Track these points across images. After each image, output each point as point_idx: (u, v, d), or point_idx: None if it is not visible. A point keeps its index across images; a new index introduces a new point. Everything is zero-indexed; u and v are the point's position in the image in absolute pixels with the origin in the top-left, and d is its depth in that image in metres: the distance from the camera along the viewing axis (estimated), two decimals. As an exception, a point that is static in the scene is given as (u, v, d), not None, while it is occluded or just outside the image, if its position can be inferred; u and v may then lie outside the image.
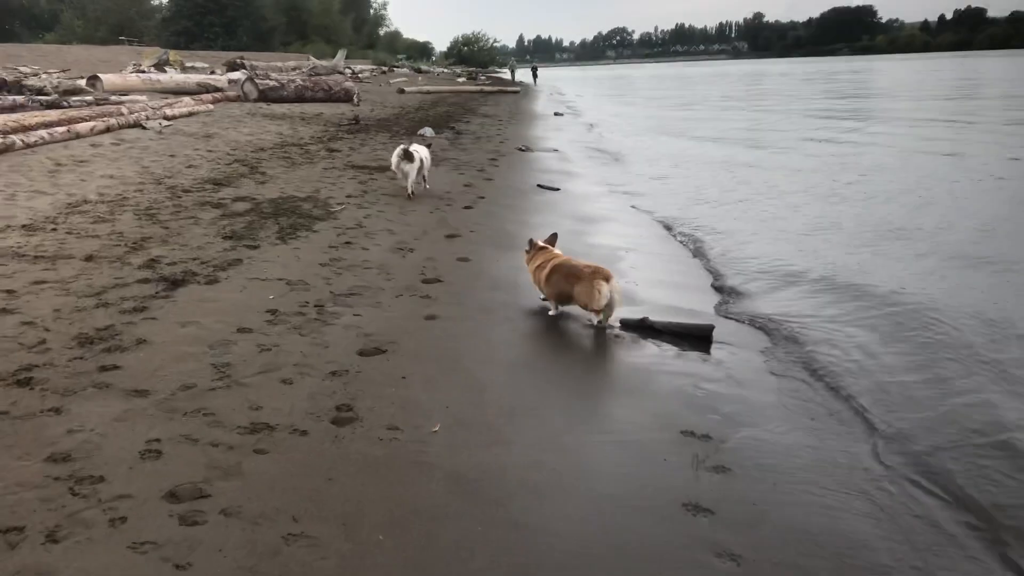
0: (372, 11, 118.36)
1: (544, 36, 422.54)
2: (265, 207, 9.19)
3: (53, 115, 13.47)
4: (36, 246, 6.95)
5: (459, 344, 5.43)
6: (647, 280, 7.43)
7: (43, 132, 12.01)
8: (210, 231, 7.93)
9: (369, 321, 5.65)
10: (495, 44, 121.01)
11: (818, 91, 46.26)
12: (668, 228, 10.17)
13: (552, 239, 6.74)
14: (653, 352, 5.52)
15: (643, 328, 5.91)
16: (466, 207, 10.20)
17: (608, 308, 5.89)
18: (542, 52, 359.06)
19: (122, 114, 15.49)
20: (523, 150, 17.31)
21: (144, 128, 14.83)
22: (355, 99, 26.94)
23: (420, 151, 10.81)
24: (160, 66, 32.13)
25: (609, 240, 9.03)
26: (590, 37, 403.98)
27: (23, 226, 7.62)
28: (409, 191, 10.59)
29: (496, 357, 5.28)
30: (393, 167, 10.64)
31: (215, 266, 6.72)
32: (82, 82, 22.22)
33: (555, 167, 14.96)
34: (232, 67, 36.56)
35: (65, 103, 16.29)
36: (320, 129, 18.37)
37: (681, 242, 9.43)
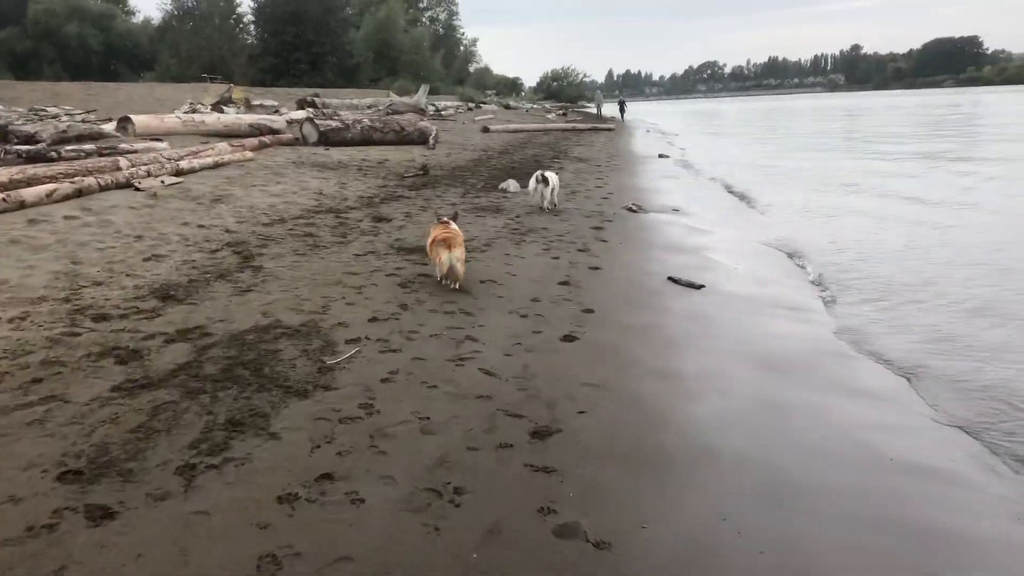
0: (463, 48, 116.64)
1: (633, 70, 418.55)
2: (213, 359, 5.23)
3: (3, 174, 9.91)
4: None
5: None
6: None
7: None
8: (48, 451, 3.96)
9: None
10: (584, 79, 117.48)
11: (953, 125, 40.64)
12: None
13: None
14: None
15: None
16: (565, 338, 6.07)
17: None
18: (631, 86, 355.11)
19: (119, 168, 11.94)
20: (634, 211, 13.11)
21: (138, 189, 11.19)
22: (430, 141, 23.26)
23: (552, 177, 12.60)
24: (221, 104, 29.18)
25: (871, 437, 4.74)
26: (680, 71, 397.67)
27: None
28: (543, 206, 12.46)
29: None
30: (530, 190, 12.62)
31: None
32: (109, 126, 19.04)
33: (684, 240, 10.69)
34: (302, 105, 33.60)
35: (54, 153, 12.86)
36: (377, 184, 14.54)
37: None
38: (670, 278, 8.23)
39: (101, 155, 13.32)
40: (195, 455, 3.88)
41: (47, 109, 21.09)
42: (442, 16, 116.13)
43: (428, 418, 4.48)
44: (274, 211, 10.89)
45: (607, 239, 10.34)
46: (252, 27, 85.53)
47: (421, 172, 16.21)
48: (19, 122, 17.12)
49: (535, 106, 76.63)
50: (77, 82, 39.79)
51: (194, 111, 26.09)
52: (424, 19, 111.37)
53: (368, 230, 10.04)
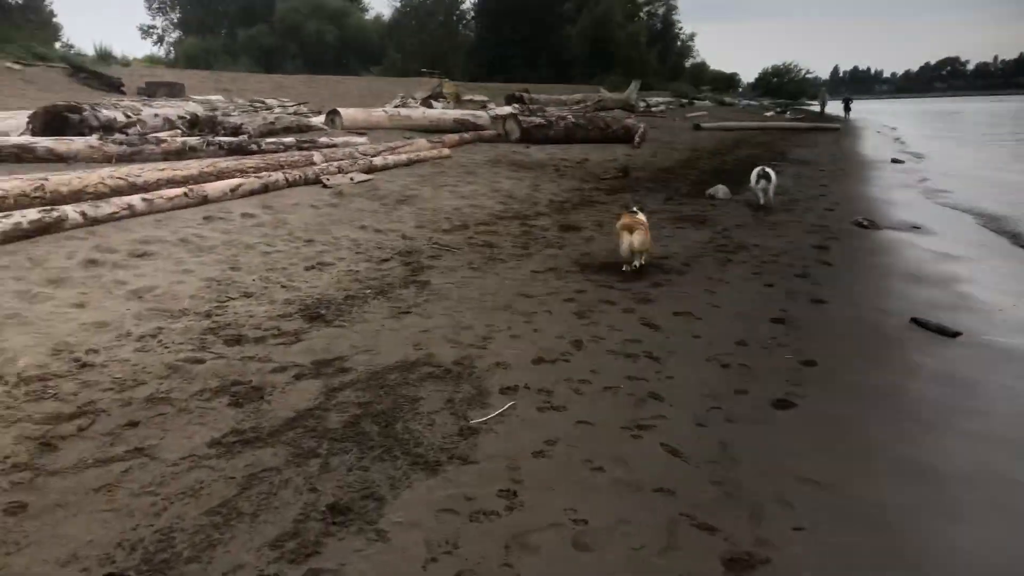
0: (679, 43, 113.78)
1: (862, 66, 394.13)
2: (341, 405, 4.38)
3: (194, 167, 9.75)
4: None
5: None
6: None
7: (135, 198, 8.14)
8: (102, 535, 3.20)
9: None
10: (807, 75, 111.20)
11: None
12: None
13: None
14: None
15: None
16: (778, 403, 4.76)
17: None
18: (858, 83, 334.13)
19: (311, 163, 11.66)
20: (864, 226, 11.31)
21: (325, 186, 10.80)
22: (635, 139, 22.04)
23: (772, 173, 12.54)
24: (432, 99, 29.31)
25: None
26: (915, 67, 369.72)
27: None
28: (761, 202, 12.37)
29: None
30: (752, 184, 12.59)
31: None
32: (319, 118, 19.25)
33: (930, 268, 8.87)
34: (511, 100, 33.32)
35: (254, 146, 12.81)
36: (571, 186, 13.54)
37: None
38: (914, 320, 6.63)
39: (300, 149, 13.17)
40: (275, 560, 2.98)
41: (265, 101, 21.72)
42: (660, 11, 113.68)
43: (585, 521, 3.38)
44: (458, 215, 10.13)
45: (832, 261, 8.77)
46: (472, 23, 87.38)
47: (621, 174, 15.06)
48: (235, 113, 17.54)
49: (752, 103, 73.24)
50: (300, 75, 41.64)
51: (404, 105, 26.26)
52: (642, 14, 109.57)
53: (553, 241, 9.03)
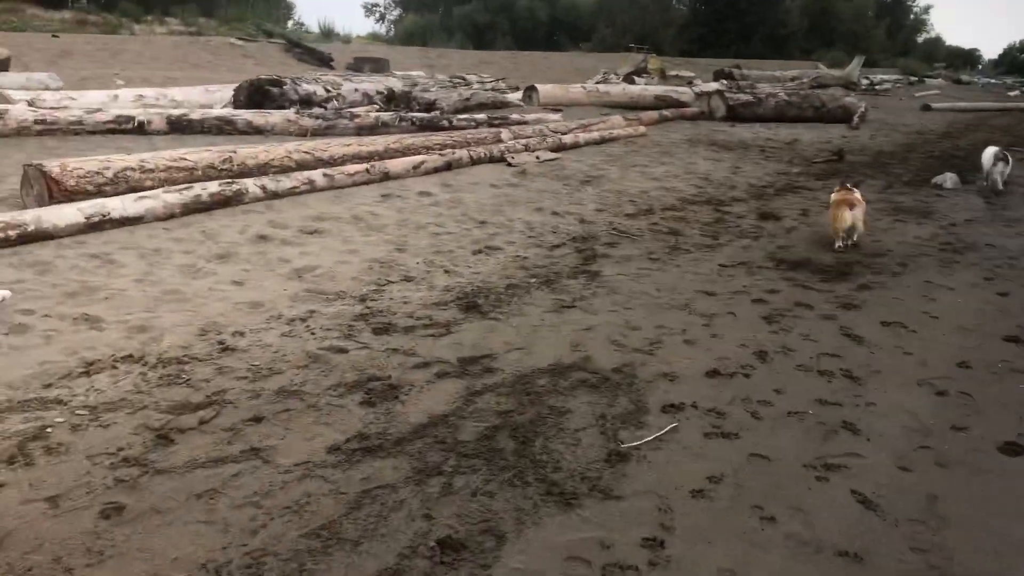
0: (912, 16, 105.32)
1: None
2: (478, 412, 3.94)
3: (380, 143, 9.69)
4: None
5: None
6: None
7: (316, 173, 8.10)
8: (189, 551, 2.91)
9: None
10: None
11: None
12: None
13: None
14: None
15: None
16: (1006, 447, 3.88)
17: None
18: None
19: (499, 141, 11.36)
20: None
21: (510, 165, 10.47)
22: (854, 119, 20.29)
23: (1008, 157, 11.45)
24: (635, 74, 28.50)
25: None
26: None
27: None
28: (999, 187, 11.08)
29: None
30: (987, 167, 11.22)
31: None
32: (516, 95, 19.05)
33: None
34: (719, 76, 31.87)
35: (445, 122, 12.70)
36: (776, 170, 12.47)
37: None
38: None
39: (490, 126, 12.93)
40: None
41: (465, 77, 21.79)
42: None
43: None
44: (644, 199, 9.47)
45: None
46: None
47: (834, 157, 13.75)
48: (433, 89, 17.63)
49: (993, 81, 66.59)
50: (504, 51, 41.85)
51: (605, 81, 25.65)
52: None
53: (748, 230, 8.20)
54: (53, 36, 24.12)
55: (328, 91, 13.20)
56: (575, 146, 12.53)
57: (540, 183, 9.62)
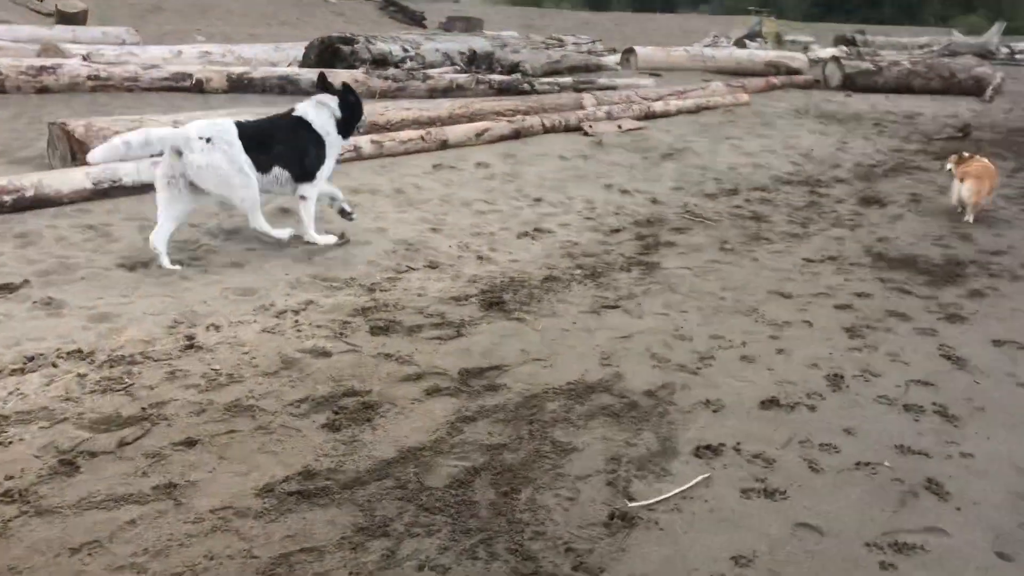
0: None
1: None
2: (460, 447, 3.20)
3: (445, 106, 8.97)
4: None
5: None
6: None
7: (363, 140, 7.46)
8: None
9: None
10: None
11: None
12: None
13: None
14: None
15: None
16: None
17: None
18: None
19: (580, 107, 10.50)
20: None
21: (586, 134, 9.61)
22: (988, 92, 18.41)
23: None
24: (749, 38, 26.88)
25: None
26: None
27: None
28: None
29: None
30: None
31: None
32: (612, 58, 18.03)
33: None
34: (840, 42, 29.81)
35: (526, 85, 11.88)
36: (890, 147, 11.18)
37: None
38: None
39: (576, 91, 12.06)
40: None
41: (563, 38, 20.81)
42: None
43: None
44: (731, 176, 8.48)
45: None
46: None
47: (959, 134, 12.28)
48: (523, 50, 16.75)
49: None
50: (611, 12, 40.34)
51: (715, 45, 24.22)
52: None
53: (845, 218, 7.15)
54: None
55: (406, 50, 12.54)
56: (665, 115, 11.53)
57: (616, 155, 8.74)
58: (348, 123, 5.26)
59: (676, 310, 4.76)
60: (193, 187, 4.71)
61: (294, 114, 5.17)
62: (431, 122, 8.49)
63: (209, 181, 4.68)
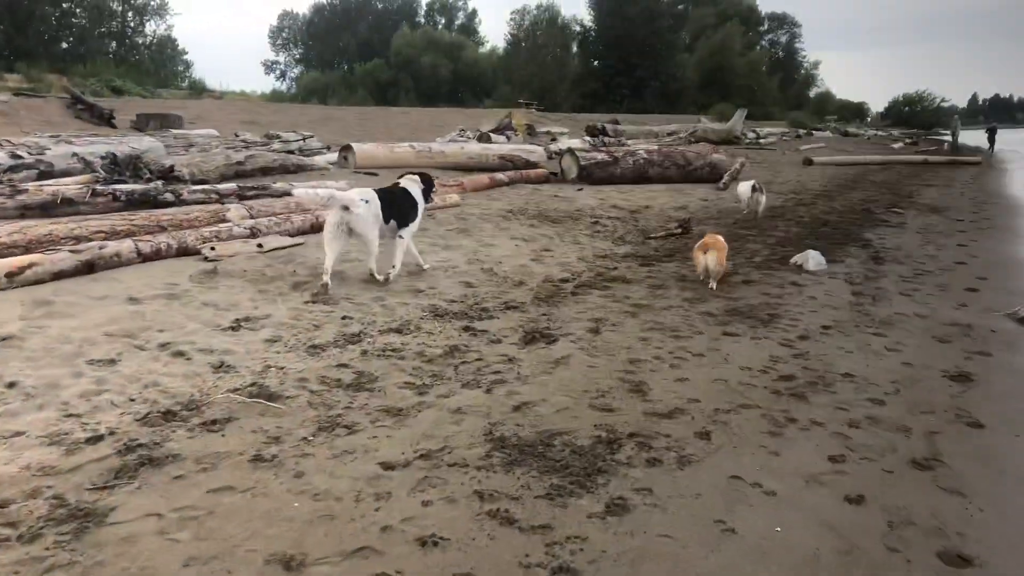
0: (803, 71, 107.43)
1: (1004, 94, 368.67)
2: None
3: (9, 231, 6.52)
4: None
5: None
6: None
7: None
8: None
9: None
10: (942, 104, 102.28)
11: None
12: None
13: None
14: None
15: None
16: None
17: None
18: (1000, 113, 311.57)
19: (223, 220, 8.35)
20: (1028, 324, 7.22)
21: (207, 259, 7.46)
22: (723, 179, 18.08)
23: (763, 189, 12.74)
24: (498, 131, 26.01)
25: None
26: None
27: None
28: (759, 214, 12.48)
29: None
30: (743, 198, 12.71)
31: None
32: (323, 158, 16.19)
33: None
34: (592, 132, 29.73)
35: (170, 195, 9.64)
36: (598, 251, 9.76)
37: None
38: None
39: (241, 199, 9.94)
40: None
41: (281, 135, 18.78)
42: (783, 39, 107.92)
43: None
44: (361, 317, 6.53)
45: (979, 413, 4.83)
46: (578, 53, 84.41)
47: (678, 231, 11.15)
48: (217, 148, 14.48)
49: (878, 133, 67.13)
50: (356, 107, 38.95)
51: (462, 138, 23.05)
52: (764, 42, 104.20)
53: (488, 370, 5.31)
54: None
55: (18, 156, 9.99)
56: (340, 226, 9.58)
57: (222, 291, 6.62)
58: (427, 193, 8.11)
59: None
60: (351, 232, 7.00)
61: (400, 185, 7.84)
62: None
63: (362, 227, 7.00)
